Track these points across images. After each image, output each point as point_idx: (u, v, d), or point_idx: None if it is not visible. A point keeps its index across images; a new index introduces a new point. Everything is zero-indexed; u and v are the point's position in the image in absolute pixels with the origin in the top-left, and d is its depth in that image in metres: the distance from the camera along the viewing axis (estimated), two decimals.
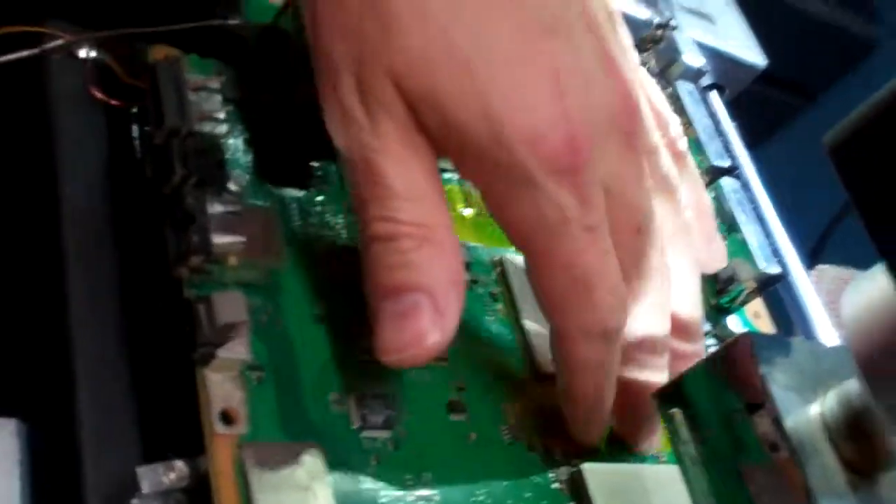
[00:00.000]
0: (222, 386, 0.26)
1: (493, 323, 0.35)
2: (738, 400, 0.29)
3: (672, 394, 0.31)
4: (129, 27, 0.33)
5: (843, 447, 0.28)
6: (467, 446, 0.31)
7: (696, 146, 0.46)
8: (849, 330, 0.26)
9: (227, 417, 0.26)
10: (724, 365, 0.29)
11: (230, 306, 0.26)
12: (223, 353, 0.26)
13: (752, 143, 0.55)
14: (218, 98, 0.31)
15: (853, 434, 0.28)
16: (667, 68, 0.51)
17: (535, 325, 0.35)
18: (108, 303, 0.29)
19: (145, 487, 0.25)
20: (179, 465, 0.26)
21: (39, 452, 0.25)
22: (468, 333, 0.33)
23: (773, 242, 0.48)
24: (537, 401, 0.34)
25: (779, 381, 0.29)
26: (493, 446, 0.31)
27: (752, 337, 0.30)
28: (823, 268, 0.72)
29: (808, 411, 0.29)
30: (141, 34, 0.33)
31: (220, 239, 0.28)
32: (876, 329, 0.25)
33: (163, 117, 0.30)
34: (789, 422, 0.28)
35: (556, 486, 0.32)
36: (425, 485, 0.29)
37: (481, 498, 0.30)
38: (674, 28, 0.49)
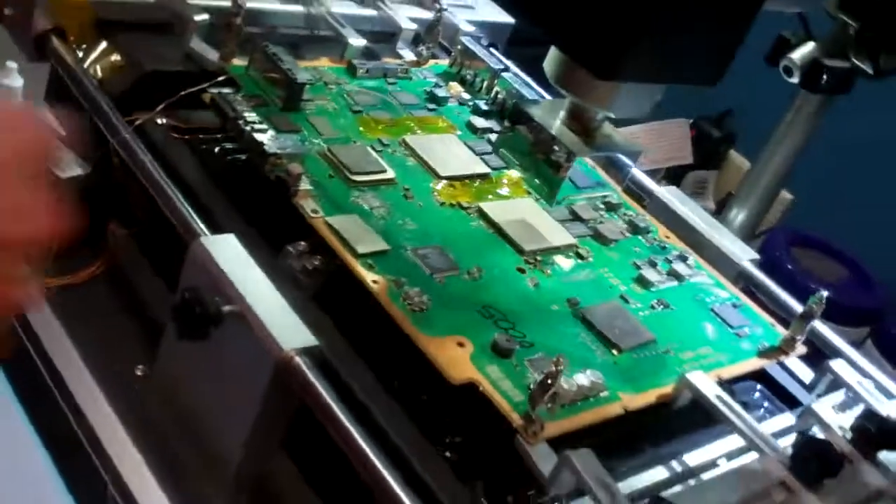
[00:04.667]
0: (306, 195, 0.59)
1: (409, 166, 0.68)
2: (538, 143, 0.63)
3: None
4: None
5: (571, 125, 0.61)
6: (414, 206, 0.64)
7: (486, 72, 0.80)
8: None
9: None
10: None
11: (297, 168, 0.59)
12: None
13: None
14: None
15: (575, 118, 0.61)
16: (453, 36, 0.86)
17: (436, 160, 0.68)
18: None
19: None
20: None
21: None
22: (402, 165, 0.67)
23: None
24: (446, 186, 0.67)
25: (538, 114, 0.62)
26: (430, 206, 0.65)
27: (519, 102, 0.63)
28: None
29: (556, 116, 0.62)
30: None
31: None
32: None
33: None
34: (550, 125, 0.61)
35: (473, 224, 0.65)
36: (397, 225, 0.62)
37: (432, 231, 0.63)
38: (446, 9, 0.84)
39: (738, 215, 0.93)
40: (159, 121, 0.68)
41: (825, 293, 0.64)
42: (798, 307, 0.69)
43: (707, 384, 0.56)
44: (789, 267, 0.99)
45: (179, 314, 0.52)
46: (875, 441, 0.55)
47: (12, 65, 0.81)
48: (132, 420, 0.56)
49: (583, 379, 0.54)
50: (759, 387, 0.68)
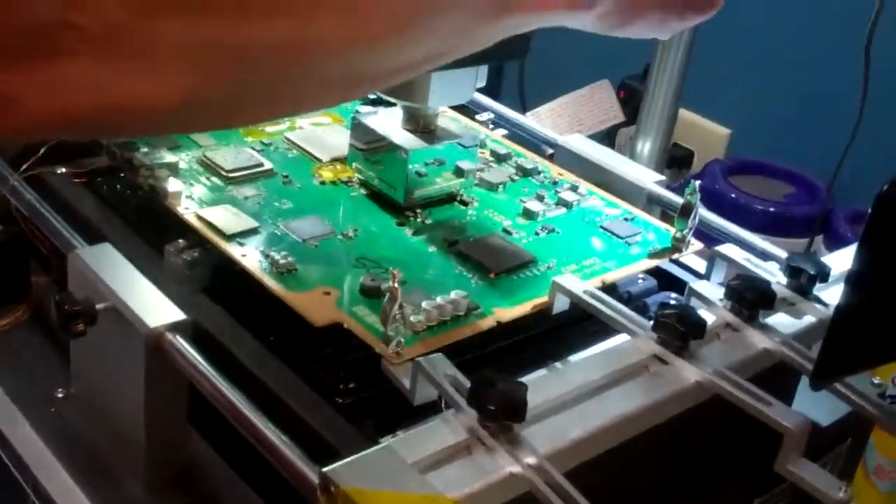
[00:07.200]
0: (177, 196, 0.62)
1: (290, 157, 0.71)
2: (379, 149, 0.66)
3: None
4: None
5: (408, 126, 0.65)
6: (293, 189, 0.67)
7: None
8: None
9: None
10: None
11: (164, 173, 0.63)
12: None
13: None
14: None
15: (412, 119, 0.64)
16: None
17: (319, 147, 0.71)
18: None
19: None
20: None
21: None
22: (283, 158, 0.70)
23: None
24: (328, 167, 0.70)
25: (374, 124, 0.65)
26: (309, 186, 0.67)
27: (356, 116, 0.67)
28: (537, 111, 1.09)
29: (395, 122, 0.65)
30: None
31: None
32: None
33: None
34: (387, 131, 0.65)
35: (353, 193, 0.68)
36: (273, 207, 0.65)
37: (310, 206, 0.66)
38: None
39: (644, 145, 0.93)
40: (60, 170, 0.72)
41: (698, 182, 0.65)
42: (728, 225, 0.70)
43: (575, 283, 0.57)
44: (732, 196, 0.99)
45: (58, 319, 0.55)
46: (750, 303, 0.56)
47: None
48: (51, 434, 0.60)
49: (446, 298, 0.55)
50: (673, 295, 0.69)
